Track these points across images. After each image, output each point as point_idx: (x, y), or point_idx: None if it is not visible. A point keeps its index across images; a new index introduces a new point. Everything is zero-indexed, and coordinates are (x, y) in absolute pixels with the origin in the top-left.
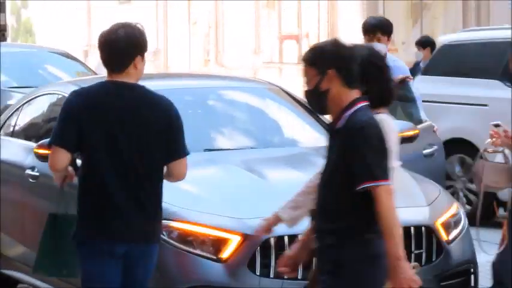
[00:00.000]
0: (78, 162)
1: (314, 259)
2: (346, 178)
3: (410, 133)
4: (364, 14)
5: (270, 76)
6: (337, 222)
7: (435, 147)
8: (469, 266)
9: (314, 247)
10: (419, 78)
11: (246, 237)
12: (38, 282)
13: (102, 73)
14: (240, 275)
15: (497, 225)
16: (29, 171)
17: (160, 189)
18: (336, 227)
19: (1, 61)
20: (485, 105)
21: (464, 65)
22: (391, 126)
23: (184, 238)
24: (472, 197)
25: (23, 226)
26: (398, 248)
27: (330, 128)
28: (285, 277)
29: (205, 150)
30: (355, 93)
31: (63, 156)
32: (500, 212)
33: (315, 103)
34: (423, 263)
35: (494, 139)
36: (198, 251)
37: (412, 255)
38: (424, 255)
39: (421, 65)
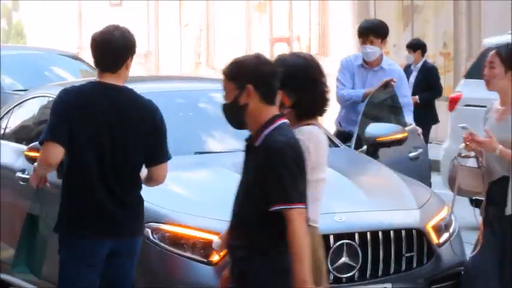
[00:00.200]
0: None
1: None
2: (260, 197)
3: (399, 136)
4: (355, 17)
5: None
6: (249, 237)
7: (420, 150)
8: (459, 269)
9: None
10: (463, 82)
11: None
12: (29, 286)
13: None
14: None
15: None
16: (19, 174)
17: (141, 187)
18: (247, 241)
19: (6, 64)
20: None
21: None
22: (320, 137)
23: (175, 241)
24: None
25: (13, 229)
26: (305, 271)
27: (247, 145)
28: None
29: (196, 153)
30: (274, 110)
31: (57, 151)
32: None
33: (233, 118)
34: (414, 266)
35: (467, 143)
36: (188, 254)
37: (403, 258)
38: (415, 258)
39: (412, 67)
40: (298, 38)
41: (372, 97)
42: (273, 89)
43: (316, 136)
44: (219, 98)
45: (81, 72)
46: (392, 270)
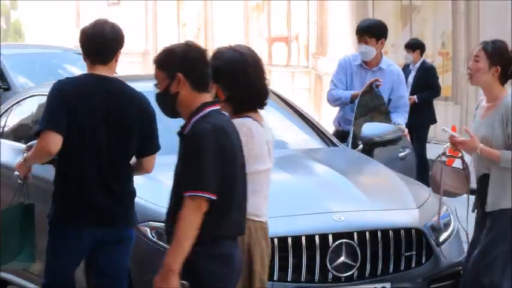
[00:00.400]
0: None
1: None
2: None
3: (395, 135)
4: (354, 16)
5: None
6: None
7: (408, 150)
8: (458, 269)
9: None
10: None
11: None
12: (28, 284)
13: None
14: None
15: None
16: (17, 172)
17: (132, 176)
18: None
19: (20, 63)
20: None
21: None
22: (254, 129)
23: None
24: None
25: None
26: (176, 261)
27: (179, 133)
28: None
29: None
30: (206, 97)
31: (57, 139)
32: None
33: (166, 107)
34: (413, 265)
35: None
36: None
37: (402, 257)
38: (414, 257)
39: (411, 67)
40: (297, 38)
41: (361, 98)
42: (204, 76)
43: (248, 128)
44: None
45: None
46: (391, 269)
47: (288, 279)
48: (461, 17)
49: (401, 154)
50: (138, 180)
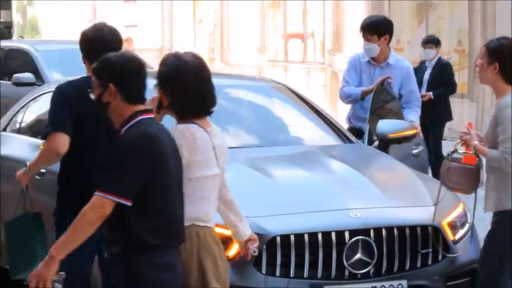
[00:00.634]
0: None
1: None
2: None
3: (410, 132)
4: (370, 13)
5: (275, 74)
6: (118, 231)
7: (421, 147)
8: (475, 266)
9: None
10: None
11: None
12: None
13: None
14: (246, 273)
15: None
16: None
17: None
18: (120, 236)
19: (55, 59)
20: None
21: None
22: (196, 135)
23: None
24: None
25: None
26: (60, 250)
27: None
28: (291, 276)
29: None
30: (138, 108)
31: (64, 140)
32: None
33: (100, 114)
34: (429, 263)
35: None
36: None
37: (419, 254)
38: (430, 254)
39: (427, 64)
40: (313, 34)
41: (375, 96)
42: (136, 90)
43: (190, 134)
44: (234, 93)
45: None
46: (407, 266)
47: (304, 276)
48: (477, 14)
49: (414, 151)
50: None
